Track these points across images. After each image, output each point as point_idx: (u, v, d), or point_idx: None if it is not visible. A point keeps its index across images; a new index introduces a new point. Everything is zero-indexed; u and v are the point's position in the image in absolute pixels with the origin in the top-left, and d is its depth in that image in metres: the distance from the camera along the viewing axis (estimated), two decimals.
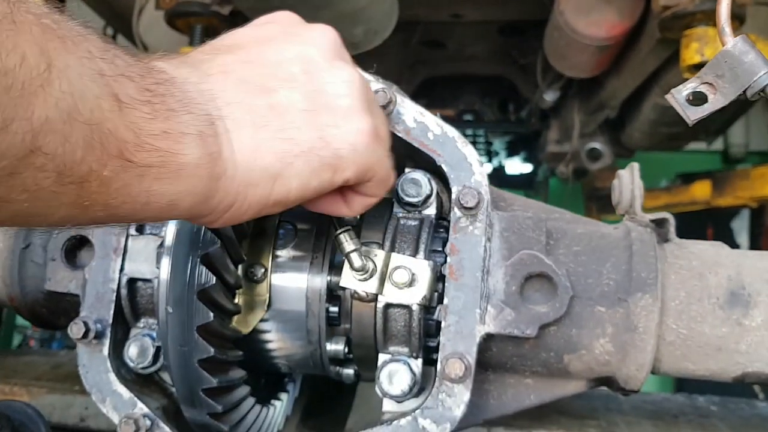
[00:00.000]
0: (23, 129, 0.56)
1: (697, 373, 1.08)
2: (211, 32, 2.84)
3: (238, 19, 2.81)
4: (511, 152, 5.39)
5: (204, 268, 1.00)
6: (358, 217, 1.16)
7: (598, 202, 4.36)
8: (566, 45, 2.97)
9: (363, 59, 3.62)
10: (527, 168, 5.55)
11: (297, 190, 0.82)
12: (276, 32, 0.88)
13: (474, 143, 5.24)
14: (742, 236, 5.05)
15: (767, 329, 1.04)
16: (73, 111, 0.59)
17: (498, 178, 5.62)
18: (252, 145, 0.77)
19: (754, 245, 4.99)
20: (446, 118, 3.76)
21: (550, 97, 3.71)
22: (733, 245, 4.70)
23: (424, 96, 4.43)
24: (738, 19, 2.54)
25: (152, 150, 0.67)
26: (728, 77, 0.88)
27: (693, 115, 0.90)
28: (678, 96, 0.91)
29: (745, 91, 0.87)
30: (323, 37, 0.90)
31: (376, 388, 1.08)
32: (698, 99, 0.90)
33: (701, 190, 3.75)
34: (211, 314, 0.99)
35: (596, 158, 3.86)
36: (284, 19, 0.92)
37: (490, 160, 5.64)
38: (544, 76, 3.63)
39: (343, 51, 0.91)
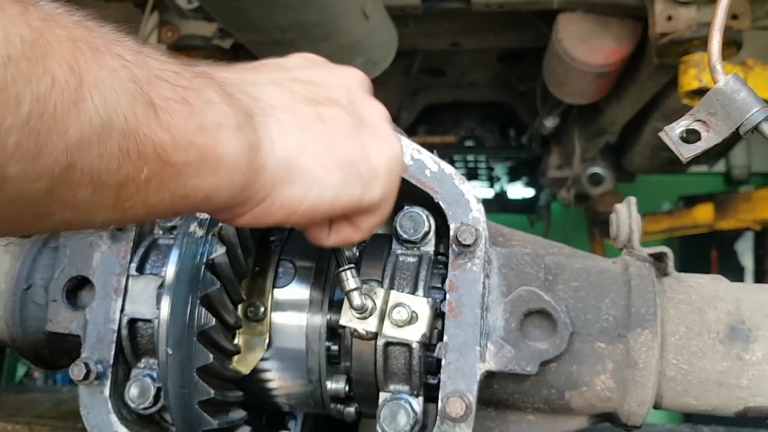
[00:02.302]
0: (58, 149, 0.56)
1: (699, 408, 1.07)
2: None
3: (240, 53, 2.84)
4: (513, 177, 5.41)
5: (203, 308, 1.00)
6: (357, 253, 1.16)
7: (601, 227, 4.37)
8: (565, 72, 2.99)
9: None
10: (529, 193, 5.56)
11: (329, 202, 0.83)
12: (317, 64, 0.94)
13: (476, 169, 5.26)
14: (747, 258, 5.05)
15: None
16: (107, 124, 0.59)
17: (500, 203, 5.63)
18: (296, 144, 0.79)
19: (759, 267, 4.98)
20: (448, 145, 3.77)
21: (550, 123, 3.73)
22: (738, 267, 4.71)
23: (426, 122, 4.46)
24: (735, 45, 2.56)
25: (189, 147, 0.67)
26: (721, 115, 0.88)
27: (686, 152, 0.90)
28: (671, 134, 0.91)
29: (738, 129, 0.87)
30: (359, 76, 0.97)
31: (377, 428, 1.08)
32: (691, 136, 0.90)
33: (703, 214, 3.75)
34: (211, 356, 0.99)
35: (597, 183, 3.87)
36: (316, 57, 0.97)
37: (492, 186, 5.65)
38: (544, 103, 3.66)
39: (371, 91, 0.98)
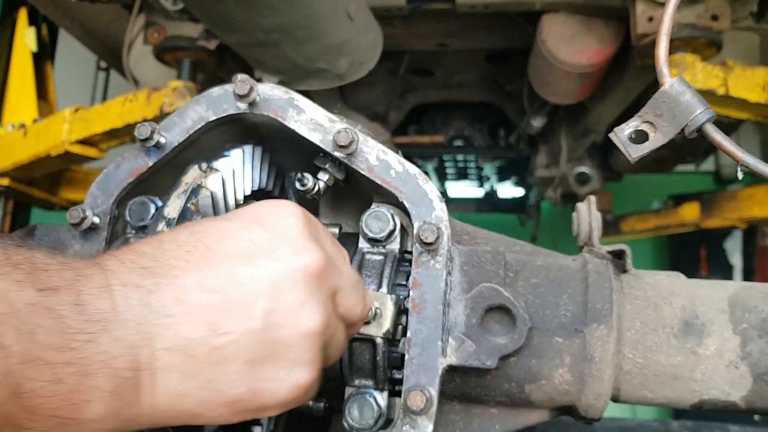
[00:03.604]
0: None
1: (655, 401, 1.10)
2: (199, 66, 2.90)
3: (225, 53, 2.87)
4: (502, 177, 5.43)
5: None
6: None
7: None
8: (549, 72, 3.02)
9: (351, 88, 3.66)
10: (519, 192, 5.58)
11: (219, 423, 0.80)
12: (259, 250, 0.81)
13: (465, 168, 5.28)
14: (735, 256, 5.08)
15: (720, 358, 1.06)
16: None
17: (490, 202, 5.65)
18: (176, 392, 0.74)
19: (747, 265, 5.01)
20: (437, 144, 3.79)
21: (537, 123, 3.76)
22: (727, 265, 4.73)
23: (415, 123, 4.48)
24: (716, 46, 2.59)
25: (47, 419, 0.64)
26: (667, 116, 0.91)
27: (634, 153, 0.93)
28: (620, 134, 0.94)
29: (683, 129, 0.90)
30: (308, 268, 0.82)
31: (343, 422, 1.10)
32: (640, 137, 0.93)
33: (690, 212, 3.78)
34: None
35: (584, 182, 3.90)
36: (277, 224, 0.85)
37: (481, 185, 5.68)
38: (531, 103, 3.68)
39: (325, 285, 0.85)
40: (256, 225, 0.83)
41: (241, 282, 0.78)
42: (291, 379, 0.81)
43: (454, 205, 5.71)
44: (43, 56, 3.69)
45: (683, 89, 0.91)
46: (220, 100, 1.16)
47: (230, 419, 0.80)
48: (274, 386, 0.80)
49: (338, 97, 3.63)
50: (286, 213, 0.86)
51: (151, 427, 0.76)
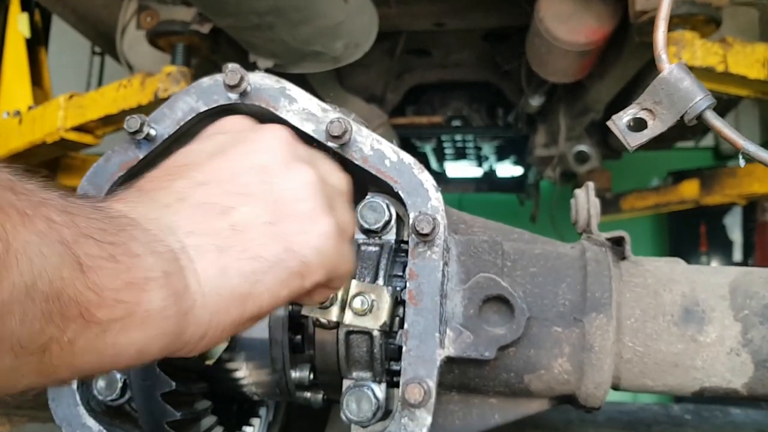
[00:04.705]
0: None
1: (656, 389, 1.09)
2: (193, 51, 2.86)
3: (219, 37, 2.84)
4: (501, 156, 5.40)
5: None
6: None
7: None
8: (547, 51, 2.99)
9: (348, 70, 3.62)
10: (518, 171, 5.56)
11: (269, 303, 0.80)
12: (226, 143, 0.86)
13: (464, 149, 5.26)
14: (735, 232, 5.07)
15: (721, 345, 1.05)
16: (31, 288, 0.57)
17: (489, 182, 5.63)
18: (218, 271, 0.75)
19: (747, 241, 5.01)
20: (435, 125, 3.76)
21: (535, 102, 3.73)
22: (727, 241, 4.72)
23: (412, 103, 4.45)
24: (715, 22, 2.55)
25: (116, 304, 0.65)
26: (666, 103, 0.89)
27: (633, 141, 0.91)
28: (618, 122, 0.92)
29: (682, 116, 0.88)
30: (275, 140, 0.88)
31: (341, 414, 1.10)
32: (638, 125, 0.91)
33: (689, 189, 3.76)
34: None
35: (583, 161, 3.88)
36: (234, 126, 0.92)
37: (480, 165, 5.65)
38: (529, 82, 3.65)
39: (298, 149, 0.90)
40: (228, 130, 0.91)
41: (227, 164, 0.83)
42: (315, 228, 0.83)
43: (453, 186, 5.69)
44: (37, 42, 3.65)
45: (682, 75, 0.88)
46: (211, 91, 1.13)
47: (279, 294, 0.80)
48: (304, 238, 0.82)
49: (335, 80, 3.60)
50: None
51: (209, 327, 0.75)
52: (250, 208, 0.80)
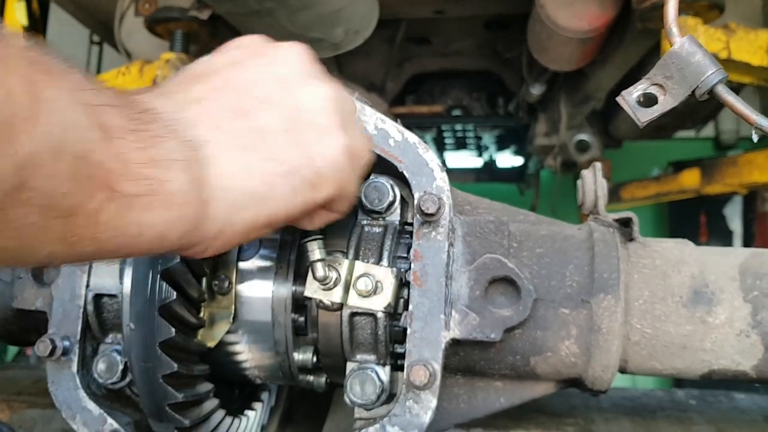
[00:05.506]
0: (8, 164, 0.54)
1: (664, 372, 1.08)
2: (192, 37, 2.84)
3: (218, 23, 2.81)
4: (502, 146, 5.38)
5: (165, 283, 1.00)
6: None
7: None
8: (548, 38, 2.96)
9: (347, 58, 3.60)
10: (518, 161, 5.54)
11: (284, 211, 0.81)
12: (245, 55, 0.87)
13: (464, 138, 5.24)
14: (735, 222, 5.06)
15: (731, 327, 1.04)
16: (60, 144, 0.58)
17: (489, 172, 5.61)
18: (239, 168, 0.77)
19: (747, 231, 5.00)
20: (435, 114, 3.73)
21: (536, 90, 3.71)
22: (727, 231, 4.70)
23: (412, 92, 4.42)
24: (718, 8, 2.53)
25: (140, 179, 0.66)
26: (677, 78, 0.87)
27: (643, 117, 0.89)
28: (628, 98, 0.90)
29: (693, 91, 0.86)
30: (294, 55, 0.89)
31: (345, 397, 1.08)
32: (648, 100, 0.89)
33: (690, 179, 3.74)
34: (173, 330, 0.99)
35: (584, 150, 3.86)
36: (251, 43, 0.92)
37: (480, 155, 5.63)
38: (530, 70, 3.63)
39: (315, 67, 0.91)
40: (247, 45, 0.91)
41: (249, 72, 0.84)
42: (332, 141, 0.85)
43: (453, 176, 5.67)
44: (35, 31, 3.62)
45: (694, 49, 0.87)
46: None
47: (292, 202, 0.82)
48: (321, 149, 0.83)
49: (335, 68, 3.57)
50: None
51: (224, 224, 0.76)
52: (269, 114, 0.81)
